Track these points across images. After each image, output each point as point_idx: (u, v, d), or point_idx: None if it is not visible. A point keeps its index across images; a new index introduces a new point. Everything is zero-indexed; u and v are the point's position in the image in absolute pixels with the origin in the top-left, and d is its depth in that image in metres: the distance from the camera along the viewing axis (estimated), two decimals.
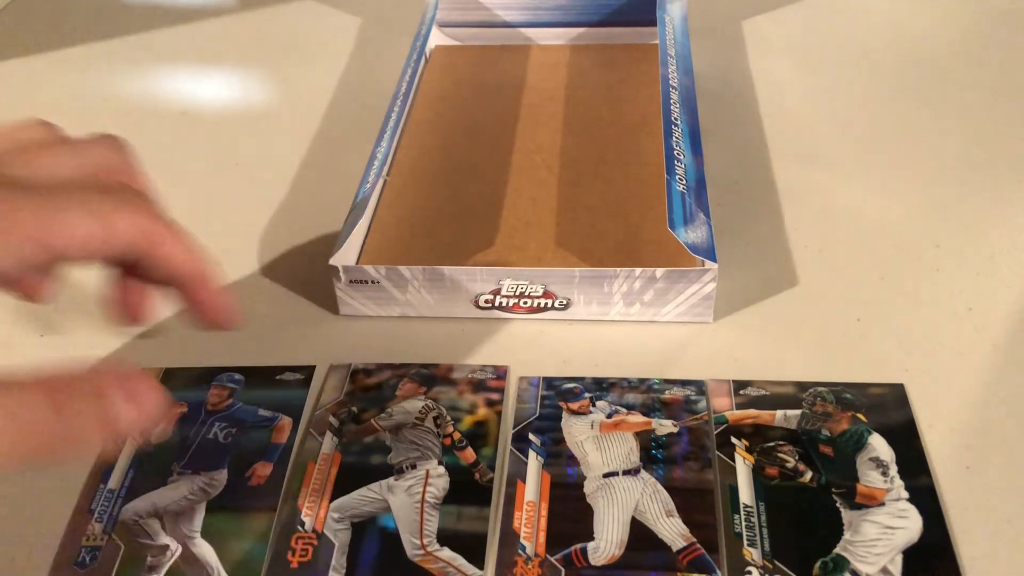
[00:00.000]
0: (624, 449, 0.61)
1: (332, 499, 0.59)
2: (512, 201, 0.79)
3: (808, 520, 0.56)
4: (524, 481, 0.59)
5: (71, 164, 0.44)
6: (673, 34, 0.90)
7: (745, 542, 0.55)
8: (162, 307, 0.74)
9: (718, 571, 0.54)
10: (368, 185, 0.74)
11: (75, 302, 0.75)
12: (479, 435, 0.62)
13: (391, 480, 0.60)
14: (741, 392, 0.64)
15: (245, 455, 0.62)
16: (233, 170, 0.88)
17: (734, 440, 0.61)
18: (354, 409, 0.65)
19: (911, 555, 0.54)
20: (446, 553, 0.56)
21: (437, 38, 1.01)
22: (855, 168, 0.84)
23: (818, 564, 0.54)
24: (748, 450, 0.60)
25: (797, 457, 0.60)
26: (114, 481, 0.61)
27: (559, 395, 0.65)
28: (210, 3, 1.16)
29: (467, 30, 1.01)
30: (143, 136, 0.94)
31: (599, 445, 0.61)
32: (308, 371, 0.68)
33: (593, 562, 0.55)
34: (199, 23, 1.12)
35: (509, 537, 0.56)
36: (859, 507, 0.57)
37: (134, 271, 0.47)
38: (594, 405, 0.64)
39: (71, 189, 0.42)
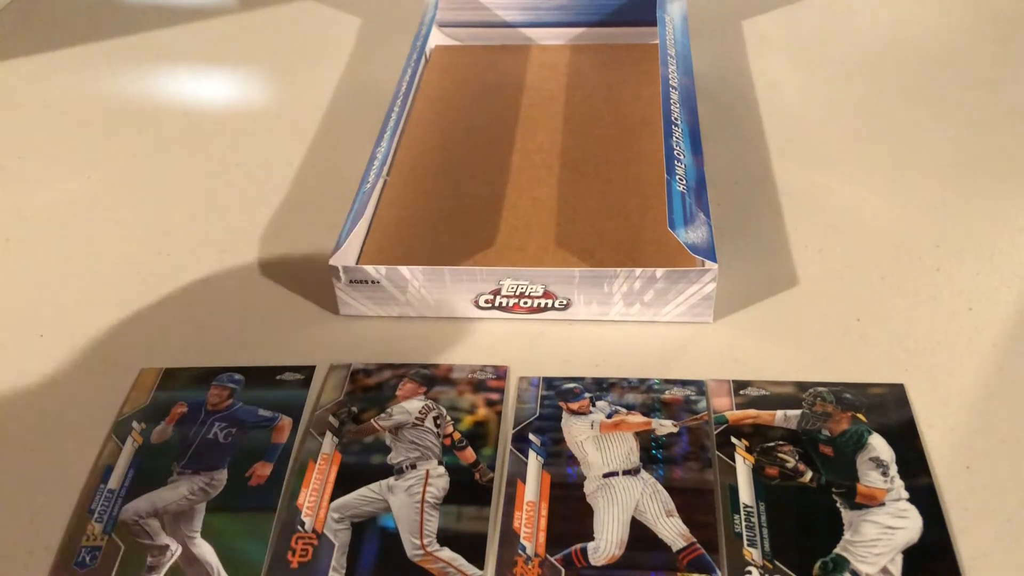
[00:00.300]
0: (624, 449, 0.61)
1: (332, 499, 0.59)
2: (512, 201, 0.79)
3: (808, 520, 0.56)
4: (524, 481, 0.59)
5: None
6: (673, 34, 0.90)
7: (745, 542, 0.55)
8: (162, 307, 0.74)
9: (718, 571, 0.54)
10: (368, 185, 0.74)
11: (76, 302, 0.75)
12: (479, 435, 0.62)
13: (391, 480, 0.60)
14: (741, 392, 0.64)
15: (245, 455, 0.62)
16: (233, 170, 0.88)
17: (734, 440, 0.61)
18: (354, 409, 0.65)
19: (911, 555, 0.54)
20: (446, 553, 0.56)
21: (437, 38, 1.01)
22: (855, 168, 0.84)
23: (818, 564, 0.54)
24: (748, 450, 0.60)
25: (797, 457, 0.60)
26: (114, 481, 0.61)
27: (559, 395, 0.65)
28: (210, 3, 1.16)
29: (467, 30, 1.01)
30: (143, 136, 0.94)
31: (599, 445, 0.61)
32: (308, 371, 0.68)
33: (593, 562, 0.55)
34: (199, 23, 1.12)
35: (509, 537, 0.56)
36: (859, 507, 0.57)
37: None
38: (594, 405, 0.64)
39: None
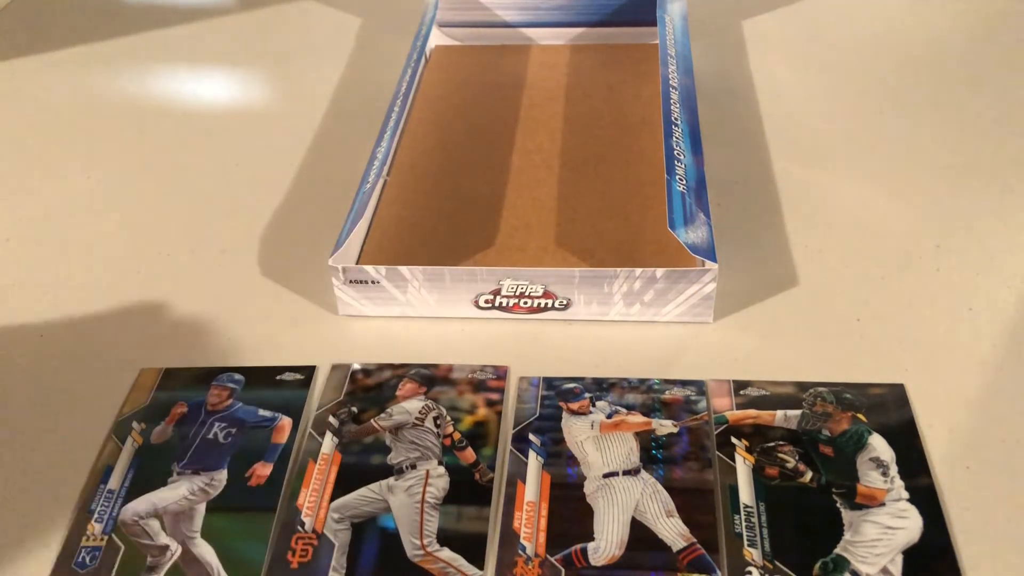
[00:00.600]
0: (624, 449, 0.61)
1: (332, 499, 0.59)
2: (512, 201, 0.79)
3: (808, 520, 0.56)
4: (524, 481, 0.59)
5: None
6: (673, 34, 0.90)
7: (745, 542, 0.55)
8: (163, 307, 0.74)
9: (718, 571, 0.54)
10: (368, 185, 0.74)
11: (76, 302, 0.75)
12: (479, 435, 0.62)
13: (391, 480, 0.60)
14: (741, 392, 0.64)
15: (245, 455, 0.62)
16: (233, 170, 0.88)
17: (734, 440, 0.61)
18: (354, 409, 0.65)
19: (911, 555, 0.54)
20: (446, 553, 0.56)
21: (437, 38, 1.01)
22: (855, 168, 0.84)
23: (818, 564, 0.54)
24: (748, 450, 0.60)
25: (797, 457, 0.60)
26: (114, 481, 0.61)
27: (559, 395, 0.65)
28: (210, 3, 1.16)
29: (467, 30, 1.01)
30: (144, 136, 0.94)
31: (599, 445, 0.61)
32: (308, 371, 0.67)
33: (593, 562, 0.55)
34: (199, 23, 1.12)
35: (509, 537, 0.56)
36: (859, 507, 0.57)
37: None
38: (594, 405, 0.64)
39: None
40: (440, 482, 0.60)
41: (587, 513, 0.58)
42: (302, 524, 0.58)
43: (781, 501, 0.57)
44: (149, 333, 0.72)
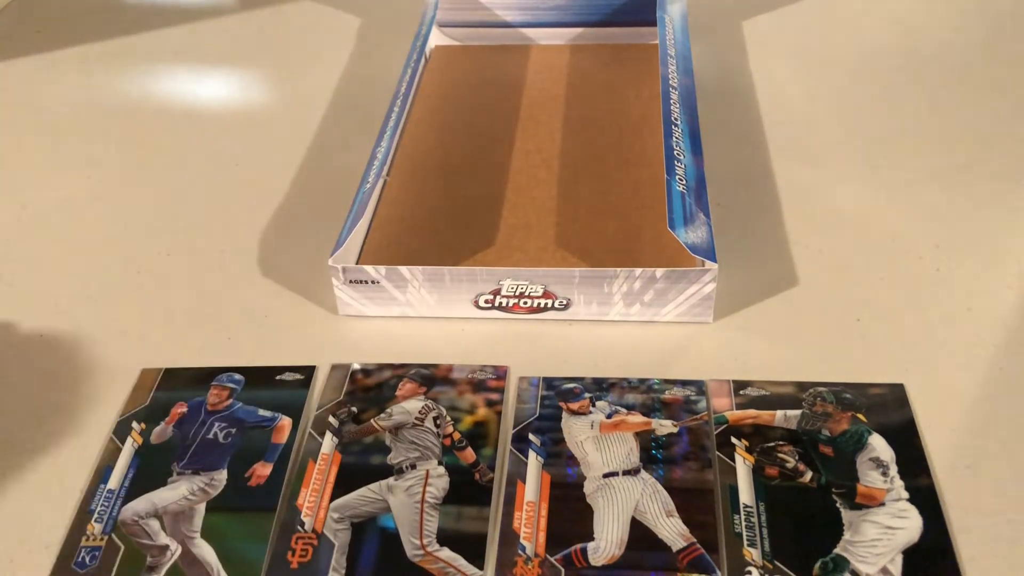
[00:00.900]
0: (624, 449, 0.61)
1: (332, 499, 0.59)
2: (512, 201, 0.79)
3: (808, 520, 0.56)
4: (524, 481, 0.59)
5: None
6: (673, 34, 0.90)
7: (745, 542, 0.55)
8: (163, 307, 0.74)
9: (718, 571, 0.54)
10: (368, 185, 0.74)
11: (76, 302, 0.75)
12: (479, 435, 0.62)
13: (391, 480, 0.60)
14: (741, 392, 0.64)
15: (245, 455, 0.62)
16: (233, 170, 0.88)
17: (734, 440, 0.61)
18: (354, 409, 0.65)
19: (911, 555, 0.54)
20: (446, 553, 0.56)
21: (437, 38, 1.01)
22: (855, 168, 0.84)
23: (818, 564, 0.54)
24: (748, 450, 0.60)
25: (797, 457, 0.60)
26: (114, 481, 0.61)
27: (559, 395, 0.65)
28: (210, 3, 1.16)
29: (467, 30, 1.01)
30: (144, 136, 0.94)
31: (599, 445, 0.61)
32: (308, 371, 0.67)
33: (593, 562, 0.55)
34: (199, 23, 1.12)
35: (509, 537, 0.56)
36: (859, 507, 0.57)
37: None
38: (594, 405, 0.64)
39: None
40: (440, 482, 0.60)
41: (587, 513, 0.58)
42: (302, 524, 0.58)
43: (781, 501, 0.57)
44: (149, 333, 0.72)
